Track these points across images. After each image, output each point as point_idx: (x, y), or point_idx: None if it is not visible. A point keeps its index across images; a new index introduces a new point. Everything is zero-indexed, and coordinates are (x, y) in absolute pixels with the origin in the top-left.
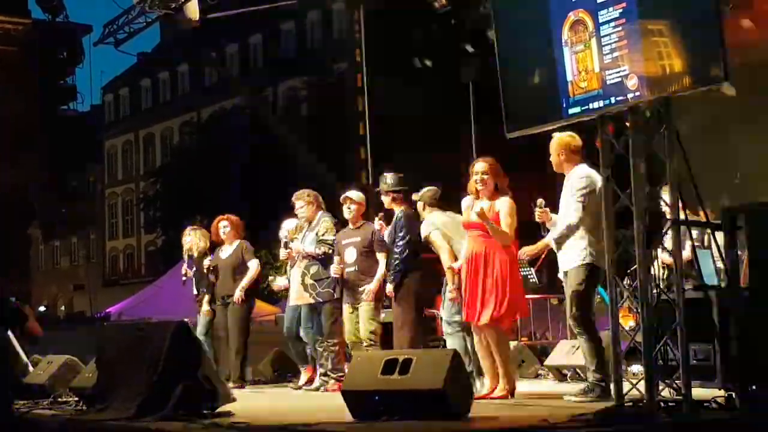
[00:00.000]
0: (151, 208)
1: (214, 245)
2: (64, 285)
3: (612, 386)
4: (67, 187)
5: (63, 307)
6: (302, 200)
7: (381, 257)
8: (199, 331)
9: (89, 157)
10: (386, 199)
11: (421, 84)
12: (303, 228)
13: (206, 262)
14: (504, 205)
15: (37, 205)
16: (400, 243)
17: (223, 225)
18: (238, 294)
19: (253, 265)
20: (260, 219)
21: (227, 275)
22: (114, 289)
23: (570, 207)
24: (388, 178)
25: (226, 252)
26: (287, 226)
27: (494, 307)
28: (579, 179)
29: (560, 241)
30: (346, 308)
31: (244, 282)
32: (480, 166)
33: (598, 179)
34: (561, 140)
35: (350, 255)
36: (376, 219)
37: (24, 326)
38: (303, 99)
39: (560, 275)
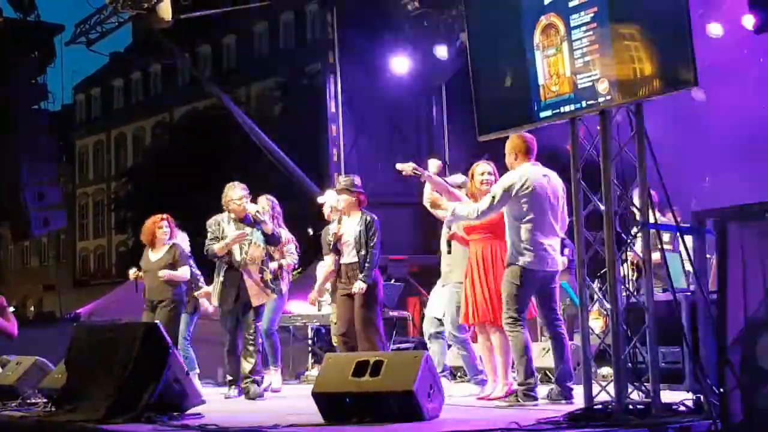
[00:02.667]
0: (122, 209)
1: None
2: (33, 285)
3: (537, 389)
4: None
5: (32, 308)
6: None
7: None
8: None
9: (60, 157)
10: (349, 199)
11: (393, 86)
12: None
13: (132, 272)
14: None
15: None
16: (374, 246)
17: (164, 226)
18: (166, 272)
19: (184, 272)
20: None
21: (158, 279)
22: (84, 290)
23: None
24: (343, 180)
25: (157, 254)
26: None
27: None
28: (508, 175)
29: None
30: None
31: (173, 273)
32: (484, 167)
33: (535, 180)
34: (513, 141)
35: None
36: (335, 223)
37: None
38: (276, 100)
39: None
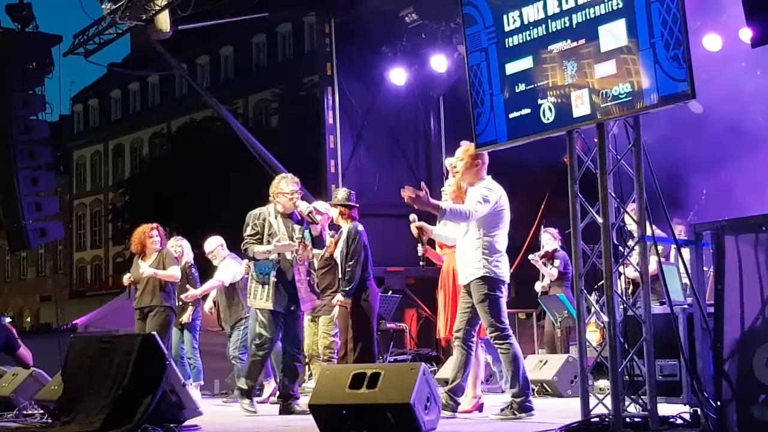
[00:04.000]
0: (120, 220)
1: (132, 256)
2: (30, 296)
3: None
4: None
5: (29, 318)
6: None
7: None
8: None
9: (57, 168)
10: (334, 213)
11: (391, 97)
12: None
13: (126, 277)
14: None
15: (4, 215)
16: (353, 257)
17: (155, 234)
18: (150, 270)
19: (174, 271)
20: (231, 231)
21: (148, 288)
22: (81, 301)
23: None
24: (339, 193)
25: (147, 262)
26: None
27: None
28: (485, 188)
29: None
30: (306, 320)
31: (159, 272)
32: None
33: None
34: (469, 150)
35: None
36: (328, 235)
37: (15, 354)
38: (274, 111)
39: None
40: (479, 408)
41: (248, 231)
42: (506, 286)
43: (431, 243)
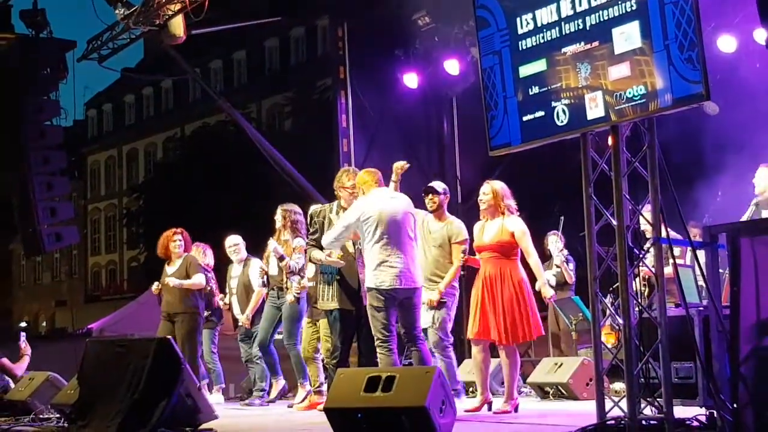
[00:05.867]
0: (134, 224)
1: (161, 261)
2: (45, 301)
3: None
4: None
5: (45, 323)
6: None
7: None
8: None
9: (72, 173)
10: None
11: (404, 101)
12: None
13: (154, 287)
14: (517, 226)
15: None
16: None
17: (178, 239)
18: (175, 280)
19: (198, 279)
20: (251, 236)
21: (174, 292)
22: (96, 305)
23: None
24: None
25: (173, 267)
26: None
27: (523, 325)
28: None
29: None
30: (305, 322)
31: (182, 282)
32: (483, 188)
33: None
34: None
35: (311, 269)
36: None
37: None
38: (287, 115)
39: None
40: (488, 406)
41: (311, 228)
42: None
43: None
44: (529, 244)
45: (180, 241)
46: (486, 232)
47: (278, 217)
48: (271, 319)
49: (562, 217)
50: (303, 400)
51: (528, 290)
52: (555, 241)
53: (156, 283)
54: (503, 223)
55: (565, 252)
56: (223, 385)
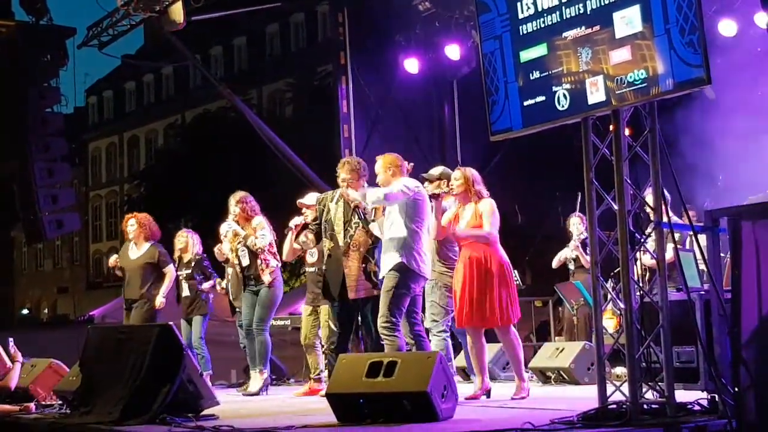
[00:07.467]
0: (135, 211)
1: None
2: (47, 288)
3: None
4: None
5: (46, 310)
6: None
7: None
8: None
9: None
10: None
11: (405, 86)
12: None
13: (112, 259)
14: (485, 205)
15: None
16: None
17: (131, 224)
18: (160, 300)
19: (169, 271)
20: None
21: (136, 278)
22: (98, 292)
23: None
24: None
25: (134, 253)
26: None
27: (508, 307)
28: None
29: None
30: (305, 310)
31: (163, 289)
32: (454, 174)
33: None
34: (387, 158)
35: (312, 255)
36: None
37: None
38: (287, 101)
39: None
40: (487, 393)
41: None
42: None
43: None
44: (488, 218)
45: (132, 225)
46: (462, 219)
47: (235, 209)
48: (251, 305)
49: (580, 194)
50: (257, 391)
51: (510, 273)
52: (577, 224)
53: (114, 256)
54: (476, 207)
55: (584, 235)
56: (211, 372)
